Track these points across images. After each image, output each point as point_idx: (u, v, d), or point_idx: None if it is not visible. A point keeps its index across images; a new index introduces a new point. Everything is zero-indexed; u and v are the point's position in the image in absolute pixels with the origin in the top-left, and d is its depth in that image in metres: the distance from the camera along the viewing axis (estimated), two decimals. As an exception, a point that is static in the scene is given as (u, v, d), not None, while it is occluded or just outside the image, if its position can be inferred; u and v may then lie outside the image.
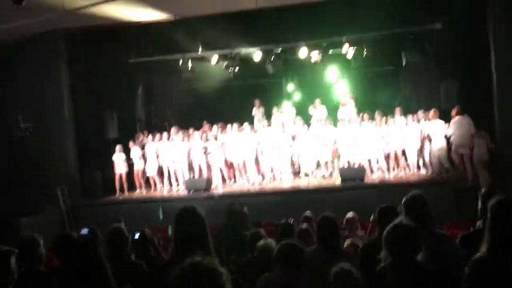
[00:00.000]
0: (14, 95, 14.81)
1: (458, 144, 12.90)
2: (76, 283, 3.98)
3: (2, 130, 15.08)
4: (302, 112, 16.10)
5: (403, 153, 14.02)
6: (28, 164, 14.53)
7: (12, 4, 9.35)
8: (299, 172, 15.06)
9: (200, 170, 14.83)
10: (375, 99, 16.00)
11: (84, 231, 6.94)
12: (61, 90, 15.13)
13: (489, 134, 12.49)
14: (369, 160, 14.10)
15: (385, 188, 12.82)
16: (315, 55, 16.01)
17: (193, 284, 2.14)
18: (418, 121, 13.83)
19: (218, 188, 14.61)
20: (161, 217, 12.51)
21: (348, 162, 14.24)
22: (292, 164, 15.05)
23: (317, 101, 16.11)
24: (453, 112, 13.11)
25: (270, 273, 4.26)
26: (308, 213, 8.11)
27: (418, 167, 14.00)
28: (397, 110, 14.22)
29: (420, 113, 13.92)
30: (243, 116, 16.14)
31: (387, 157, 14.05)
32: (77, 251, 4.56)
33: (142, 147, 15.21)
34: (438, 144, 13.41)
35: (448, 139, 13.25)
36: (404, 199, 4.31)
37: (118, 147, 15.05)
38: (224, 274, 2.21)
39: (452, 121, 13.08)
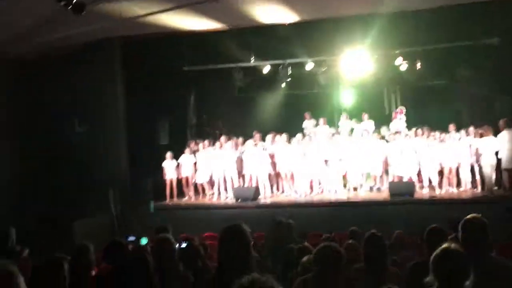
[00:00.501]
0: (71, 100, 15.23)
1: (507, 159, 12.61)
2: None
3: (59, 133, 15.53)
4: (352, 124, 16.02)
5: (456, 169, 13.72)
6: (81, 168, 14.90)
7: (71, 13, 9.66)
8: (347, 184, 14.93)
9: (250, 179, 14.89)
10: (427, 114, 15.74)
11: (131, 238, 7.10)
12: (115, 96, 15.51)
13: None
14: (419, 176, 13.86)
15: (435, 205, 12.58)
16: (369, 67, 15.89)
17: None
18: (468, 136, 13.54)
19: (266, 197, 14.64)
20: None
21: (398, 177, 14.02)
22: (342, 176, 14.92)
23: (365, 115, 15.99)
24: (501, 125, 12.80)
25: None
26: (355, 228, 8.04)
27: (471, 185, 13.65)
28: (451, 126, 13.97)
29: (472, 129, 13.61)
30: (293, 127, 16.19)
31: (438, 173, 13.77)
32: (126, 258, 4.68)
33: (194, 155, 15.38)
34: (489, 161, 13.05)
35: (496, 154, 12.96)
36: (462, 222, 4.08)
37: (169, 154, 15.27)
38: None
39: (499, 135, 12.79)
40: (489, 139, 13.09)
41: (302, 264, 4.98)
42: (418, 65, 15.20)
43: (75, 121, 15.51)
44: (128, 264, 4.28)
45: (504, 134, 12.78)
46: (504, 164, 12.87)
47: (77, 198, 14.25)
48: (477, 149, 13.27)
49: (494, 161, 13.00)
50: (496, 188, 13.15)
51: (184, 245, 5.41)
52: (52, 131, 15.45)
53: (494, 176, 13.09)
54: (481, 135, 13.32)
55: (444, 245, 3.41)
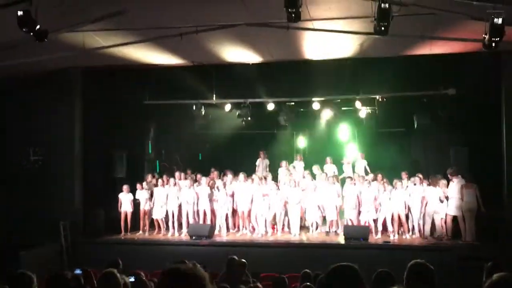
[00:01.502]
0: (27, 127, 15.00)
1: (453, 207, 13.37)
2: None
3: (12, 161, 15.20)
4: (310, 166, 16.13)
5: (407, 216, 13.95)
6: (34, 197, 14.58)
7: (33, 40, 9.55)
8: (305, 226, 14.93)
9: (205, 216, 14.78)
10: (384, 160, 16.00)
11: (77, 271, 6.91)
12: (73, 126, 15.31)
13: (478, 186, 13.12)
14: (374, 220, 14.01)
15: (388, 250, 12.70)
16: (328, 112, 16.20)
17: None
18: (418, 184, 13.88)
19: (221, 235, 14.53)
20: None
21: (352, 221, 14.14)
22: (300, 218, 14.94)
23: (328, 159, 16.17)
24: (449, 173, 13.54)
25: None
26: (307, 270, 8.01)
27: (422, 231, 13.87)
28: (403, 174, 14.25)
29: (419, 177, 14.01)
30: (251, 165, 16.26)
31: (392, 219, 13.94)
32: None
33: (150, 189, 15.22)
34: (435, 209, 13.67)
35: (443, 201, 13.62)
36: (408, 266, 4.06)
37: (125, 187, 15.08)
38: None
39: (450, 184, 13.50)
40: (435, 188, 13.69)
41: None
42: (377, 112, 15.52)
43: (30, 149, 15.23)
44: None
45: (452, 183, 13.49)
46: (449, 211, 13.46)
47: (27, 228, 13.91)
48: (423, 197, 13.71)
49: (440, 209, 13.59)
50: (444, 235, 13.49)
51: (132, 279, 5.29)
52: (6, 157, 15.14)
53: (440, 223, 13.68)
54: (429, 184, 13.84)
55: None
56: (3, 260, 11.20)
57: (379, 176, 14.39)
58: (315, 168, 15.82)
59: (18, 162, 15.21)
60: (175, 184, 15.00)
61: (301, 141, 18.39)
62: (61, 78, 14.84)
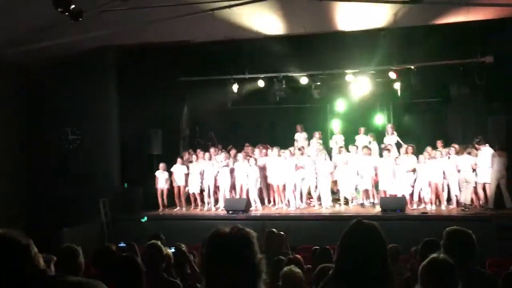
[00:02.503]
0: (64, 107, 15.26)
1: (483, 175, 13.29)
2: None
3: (50, 142, 15.52)
4: (346, 139, 16.07)
5: (446, 186, 13.82)
6: (73, 176, 14.91)
7: (68, 20, 9.67)
8: (338, 199, 14.93)
9: (241, 190, 14.91)
10: (419, 131, 15.82)
11: (121, 244, 7.09)
12: (109, 105, 15.56)
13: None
14: (411, 192, 13.93)
15: (426, 220, 12.62)
16: (361, 83, 16.02)
17: None
18: (454, 153, 13.72)
19: (257, 209, 14.65)
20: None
21: (387, 193, 14.08)
22: (334, 190, 14.96)
23: (361, 129, 16.06)
24: (477, 144, 13.44)
25: None
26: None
27: (458, 201, 13.76)
28: (438, 143, 14.09)
29: (456, 146, 13.88)
30: (285, 139, 16.25)
31: (429, 190, 13.84)
32: (115, 263, 4.65)
33: (186, 165, 15.40)
34: (468, 178, 13.51)
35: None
36: (445, 233, 4.10)
37: (161, 165, 15.29)
38: None
39: (479, 153, 13.40)
40: (467, 157, 13.54)
41: (282, 275, 4.93)
42: (412, 82, 15.29)
43: (67, 129, 15.53)
44: (118, 268, 4.26)
45: (481, 152, 13.35)
46: (481, 180, 13.36)
47: (68, 206, 14.25)
48: (462, 167, 13.56)
49: (473, 178, 13.45)
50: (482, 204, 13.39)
51: (172, 250, 5.40)
52: (45, 138, 15.46)
53: (471, 192, 13.52)
54: (458, 153, 13.71)
55: (432, 256, 3.42)
56: (47, 238, 11.50)
57: (413, 148, 14.27)
58: (339, 140, 15.80)
59: (56, 142, 15.54)
60: (210, 159, 15.14)
61: (335, 114, 18.24)
62: (96, 57, 15.04)
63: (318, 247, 7.95)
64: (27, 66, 14.41)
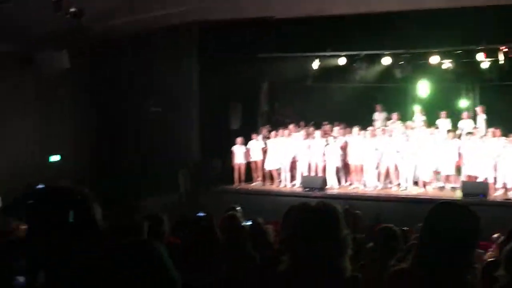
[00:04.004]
0: (147, 80, 15.69)
1: None
2: (190, 261, 4.19)
3: (134, 113, 16.02)
4: (427, 120, 15.63)
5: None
6: (154, 147, 15.36)
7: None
8: (417, 182, 14.60)
9: (317, 168, 14.88)
10: (506, 114, 15.15)
11: (200, 214, 7.26)
12: (191, 79, 15.86)
13: None
14: (494, 177, 13.43)
15: (510, 207, 12.16)
16: (446, 63, 15.49)
17: None
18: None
19: (333, 188, 14.60)
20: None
21: (472, 177, 13.63)
22: (413, 172, 14.66)
23: (443, 113, 15.56)
24: None
25: None
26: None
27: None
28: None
29: None
30: (365, 119, 16.03)
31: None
32: (193, 232, 4.80)
33: (264, 141, 15.51)
34: None
35: None
36: None
37: (239, 139, 15.46)
38: None
39: None
40: None
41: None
42: (501, 63, 14.63)
43: (150, 101, 15.98)
44: (196, 237, 4.40)
45: None
46: None
47: (147, 177, 14.71)
48: None
49: None
50: None
51: (249, 222, 5.49)
52: (128, 109, 15.97)
53: None
54: None
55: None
56: (126, 207, 11.93)
57: (499, 131, 13.71)
58: (419, 122, 15.39)
59: (139, 113, 16.03)
60: (288, 136, 15.18)
61: (418, 94, 17.74)
62: (179, 32, 15.32)
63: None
64: (113, 39, 14.86)
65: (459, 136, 14.40)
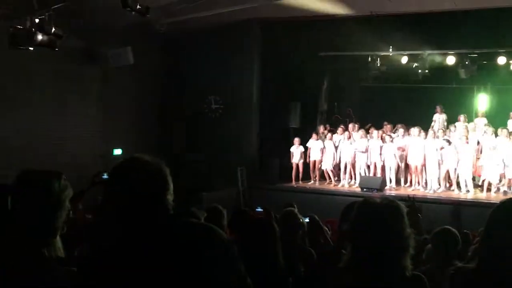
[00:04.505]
0: (209, 78, 15.88)
1: None
2: (249, 257, 4.20)
3: (196, 110, 16.26)
4: (494, 122, 15.11)
5: None
6: (214, 143, 15.55)
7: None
8: (481, 185, 14.18)
9: (375, 169, 14.70)
10: None
11: (258, 209, 7.31)
12: (251, 77, 15.98)
13: None
14: None
15: None
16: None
17: None
18: None
19: (392, 189, 14.38)
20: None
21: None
22: (475, 176, 14.24)
23: (512, 114, 15.07)
24: None
25: None
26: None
27: None
28: None
29: None
30: (426, 120, 15.71)
31: None
32: (252, 227, 4.80)
33: (322, 140, 15.44)
34: None
35: None
36: None
37: (296, 139, 15.47)
38: None
39: None
40: None
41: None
42: None
43: (211, 98, 16.17)
44: (254, 231, 4.40)
45: None
46: None
47: (208, 172, 14.90)
48: None
49: None
50: None
51: (306, 219, 5.47)
52: (191, 106, 16.21)
53: None
54: None
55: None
56: (188, 201, 12.12)
57: None
58: (481, 124, 14.95)
59: (201, 110, 16.26)
60: (348, 136, 15.07)
61: (483, 96, 17.21)
62: (241, 30, 15.45)
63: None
64: (176, 37, 15.12)
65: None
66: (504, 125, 14.69)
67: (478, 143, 14.28)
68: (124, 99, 14.81)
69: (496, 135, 14.08)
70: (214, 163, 15.34)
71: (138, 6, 9.52)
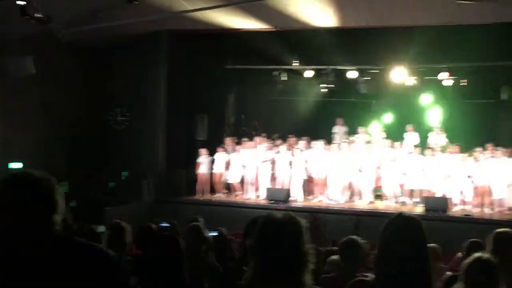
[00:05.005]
0: (115, 89, 15.57)
1: None
2: (154, 273, 4.14)
3: (100, 122, 15.86)
4: (392, 135, 15.84)
5: (491, 189, 13.58)
6: (120, 155, 15.21)
7: (123, 3, 9.84)
8: (381, 196, 14.77)
9: (283, 181, 14.92)
10: (467, 132, 15.50)
11: (164, 224, 7.21)
12: (158, 89, 15.80)
13: None
14: (454, 193, 13.71)
15: (469, 222, 12.39)
16: (411, 80, 15.78)
17: None
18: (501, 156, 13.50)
19: (297, 201, 14.65)
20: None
21: (431, 192, 13.89)
22: (376, 186, 14.82)
23: (409, 127, 15.82)
24: None
25: None
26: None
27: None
28: (488, 145, 13.83)
29: (500, 150, 13.67)
30: (329, 133, 16.23)
31: (473, 192, 13.62)
32: (158, 242, 4.74)
33: (228, 153, 15.49)
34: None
35: None
36: (492, 234, 4.10)
37: (203, 150, 15.43)
38: None
39: None
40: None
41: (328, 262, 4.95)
42: (463, 82, 14.99)
43: (117, 110, 15.85)
44: (160, 247, 4.34)
45: None
46: None
47: (114, 186, 14.54)
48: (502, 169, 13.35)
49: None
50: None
51: (213, 233, 5.47)
52: (95, 117, 15.80)
53: None
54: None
55: (477, 254, 3.39)
56: (89, 216, 11.76)
57: (459, 148, 14.05)
58: (382, 137, 15.63)
59: (106, 122, 15.88)
60: (253, 148, 15.21)
61: (382, 109, 17.99)
62: (148, 41, 15.28)
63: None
64: (82, 47, 14.72)
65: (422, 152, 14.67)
66: (401, 138, 15.46)
67: (378, 155, 14.85)
68: (25, 111, 14.15)
69: (395, 147, 14.78)
70: (120, 176, 14.97)
71: (38, 15, 9.17)
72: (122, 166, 15.04)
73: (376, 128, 16.78)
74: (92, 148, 15.64)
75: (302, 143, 15.41)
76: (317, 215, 12.26)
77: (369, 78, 16.14)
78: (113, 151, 15.56)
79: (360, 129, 16.07)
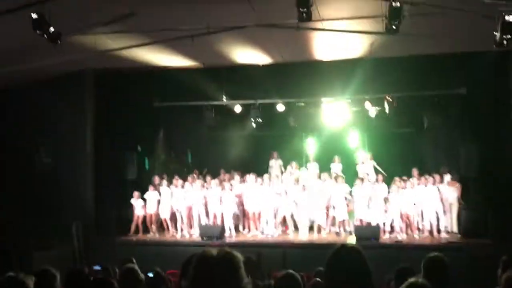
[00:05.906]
0: (40, 129, 15.12)
1: None
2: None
3: (24, 163, 15.30)
4: (323, 166, 16.11)
5: (419, 215, 14.05)
6: (46, 197, 14.68)
7: (46, 43, 9.66)
8: (313, 227, 14.91)
9: (215, 217, 14.82)
10: (394, 160, 15.98)
11: (97, 267, 6.97)
12: (84, 128, 15.43)
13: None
14: (384, 221, 14.04)
15: (400, 249, 12.69)
16: (337, 112, 16.18)
17: None
18: (434, 183, 14.03)
19: (231, 236, 14.57)
20: None
21: (362, 221, 14.16)
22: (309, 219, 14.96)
23: (336, 158, 16.15)
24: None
25: None
26: (321, 268, 8.02)
27: (437, 231, 13.92)
28: (414, 171, 14.34)
29: (437, 176, 14.19)
30: (261, 166, 16.28)
31: (401, 219, 14.00)
32: (90, 287, 4.57)
33: (158, 191, 15.29)
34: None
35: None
36: (424, 260, 4.26)
37: (136, 193, 15.23)
38: None
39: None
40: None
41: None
42: (387, 112, 15.50)
43: (42, 151, 15.35)
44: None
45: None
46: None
47: (39, 229, 13.97)
48: (444, 196, 14.05)
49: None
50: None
51: (151, 274, 5.33)
52: (19, 159, 15.23)
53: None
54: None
55: (411, 280, 3.44)
56: (17, 261, 11.24)
57: (384, 177, 14.61)
58: (313, 168, 15.93)
59: (30, 163, 15.34)
60: (183, 185, 15.07)
61: (311, 142, 18.27)
62: (73, 80, 14.96)
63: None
64: (5, 87, 14.29)
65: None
66: (329, 169, 15.77)
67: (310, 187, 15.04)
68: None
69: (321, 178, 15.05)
70: (46, 219, 14.38)
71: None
72: (49, 209, 14.49)
73: (306, 160, 17.01)
74: (16, 190, 15.03)
75: (237, 177, 15.40)
76: (261, 250, 12.23)
77: (296, 111, 16.41)
78: (38, 192, 14.98)
79: (292, 163, 16.24)
